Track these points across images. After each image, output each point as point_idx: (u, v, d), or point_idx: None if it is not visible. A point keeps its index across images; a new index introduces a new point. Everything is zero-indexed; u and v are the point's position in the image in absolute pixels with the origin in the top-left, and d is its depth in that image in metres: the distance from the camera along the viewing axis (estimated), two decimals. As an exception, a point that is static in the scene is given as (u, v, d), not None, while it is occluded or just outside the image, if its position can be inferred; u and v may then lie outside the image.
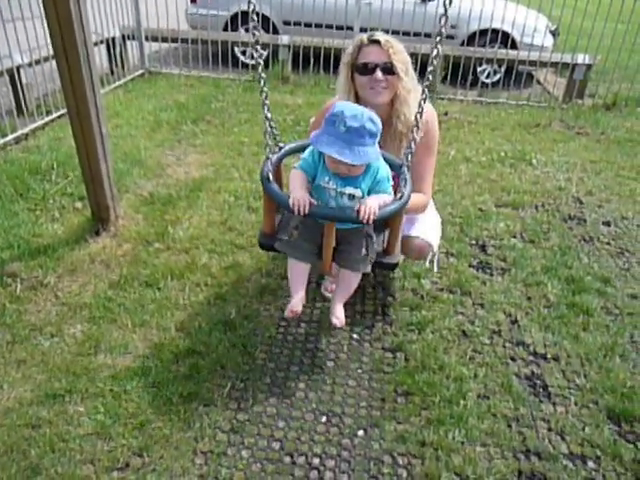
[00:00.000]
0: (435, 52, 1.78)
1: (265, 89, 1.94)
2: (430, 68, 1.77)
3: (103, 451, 1.88)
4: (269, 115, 1.98)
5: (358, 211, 1.78)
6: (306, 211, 1.80)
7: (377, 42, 2.15)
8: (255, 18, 1.84)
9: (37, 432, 1.93)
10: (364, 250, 2.02)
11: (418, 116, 1.86)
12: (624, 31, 5.80)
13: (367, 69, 2.16)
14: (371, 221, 1.79)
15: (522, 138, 4.97)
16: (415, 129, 1.88)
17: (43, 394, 2.08)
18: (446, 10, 1.74)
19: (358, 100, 2.24)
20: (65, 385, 2.12)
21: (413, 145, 1.91)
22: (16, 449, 1.87)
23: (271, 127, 2.01)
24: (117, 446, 1.90)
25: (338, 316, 2.09)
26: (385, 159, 1.98)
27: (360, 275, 2.11)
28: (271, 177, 1.95)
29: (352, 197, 1.90)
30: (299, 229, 2.03)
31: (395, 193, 1.97)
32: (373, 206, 1.79)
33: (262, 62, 1.92)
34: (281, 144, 2.17)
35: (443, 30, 1.76)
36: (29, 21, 4.26)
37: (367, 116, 1.76)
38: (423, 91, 1.82)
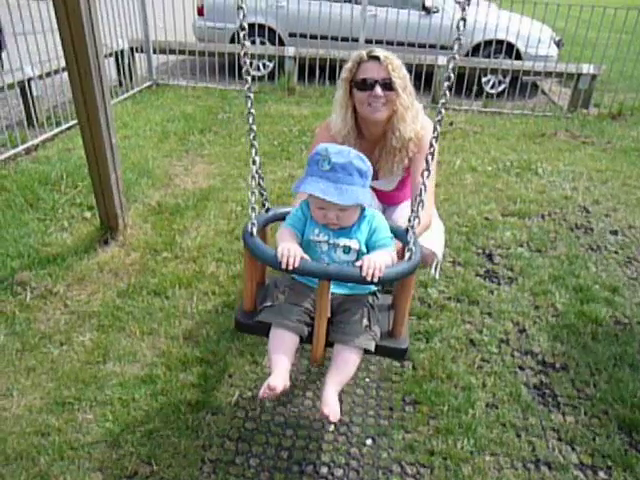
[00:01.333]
0: (449, 72, 1.62)
1: (254, 127, 1.70)
2: (446, 83, 1.58)
3: (112, 459, 1.89)
4: (257, 160, 1.70)
5: (360, 267, 1.51)
6: (296, 264, 1.50)
7: (376, 58, 2.12)
8: (246, 27, 1.61)
9: (46, 439, 1.94)
10: (365, 321, 1.68)
11: (434, 141, 1.63)
12: (629, 41, 5.83)
13: (366, 85, 2.14)
14: (376, 279, 1.49)
15: (528, 147, 4.98)
16: (430, 151, 1.65)
17: (52, 402, 2.09)
18: (459, 37, 1.55)
19: (356, 116, 2.25)
20: (74, 393, 2.13)
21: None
22: (25, 456, 1.87)
23: (259, 185, 1.76)
24: (125, 454, 1.90)
25: (332, 408, 1.56)
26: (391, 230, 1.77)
27: (361, 354, 1.69)
28: (254, 232, 1.66)
29: (348, 250, 1.68)
30: (286, 294, 1.72)
31: (403, 252, 1.74)
32: (378, 261, 1.52)
33: (251, 95, 1.68)
34: (268, 205, 1.90)
35: (457, 57, 1.57)
36: (40, 35, 4.33)
37: (354, 154, 1.63)
38: (439, 112, 1.60)
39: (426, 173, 1.64)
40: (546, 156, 4.77)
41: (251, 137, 1.68)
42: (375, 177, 2.42)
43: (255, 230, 1.66)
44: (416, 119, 2.22)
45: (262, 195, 1.84)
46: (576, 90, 6.18)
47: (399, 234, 1.80)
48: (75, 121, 3.04)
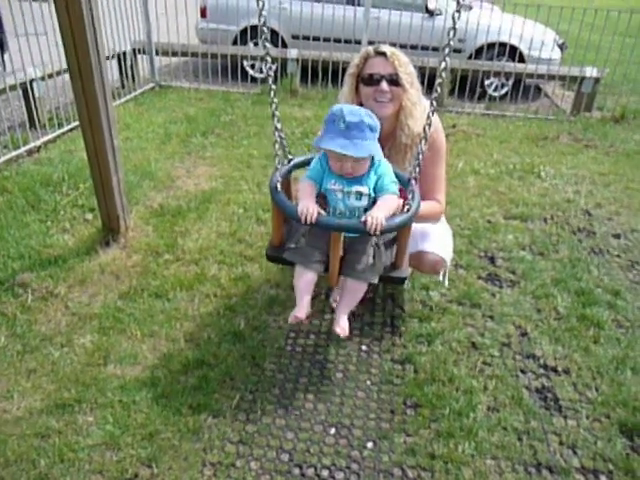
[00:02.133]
0: (443, 65, 1.80)
1: (275, 100, 1.96)
2: (439, 80, 1.79)
3: (112, 461, 1.88)
4: (279, 126, 1.99)
5: (365, 222, 1.76)
6: (313, 220, 1.77)
7: (383, 54, 2.17)
8: (266, 31, 1.87)
9: (46, 442, 1.94)
10: (371, 259, 1.98)
11: (427, 128, 1.84)
12: (632, 44, 5.82)
13: (372, 80, 2.17)
14: (378, 232, 1.76)
15: (530, 151, 4.98)
16: (423, 141, 1.86)
17: (53, 404, 2.09)
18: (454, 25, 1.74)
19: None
20: (75, 395, 2.13)
21: (420, 157, 1.89)
22: (26, 458, 1.87)
23: (281, 138, 2.02)
24: (126, 456, 1.90)
25: (342, 326, 2.00)
26: (395, 175, 1.98)
27: (366, 285, 2.04)
28: (279, 187, 1.95)
29: (359, 196, 1.90)
30: (306, 237, 2.01)
31: (403, 206, 1.95)
32: (380, 217, 1.76)
33: (272, 74, 1.92)
34: (290, 156, 2.17)
35: (451, 43, 1.78)
36: (42, 36, 4.34)
37: (365, 112, 1.82)
38: (431, 103, 1.80)
39: (423, 141, 1.86)
40: (549, 159, 4.76)
41: (273, 108, 1.97)
42: None
43: (280, 185, 1.95)
44: (424, 114, 2.22)
45: (283, 149, 2.08)
46: (579, 93, 6.17)
47: (403, 183, 2.01)
48: (77, 123, 3.04)
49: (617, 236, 3.54)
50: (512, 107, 6.24)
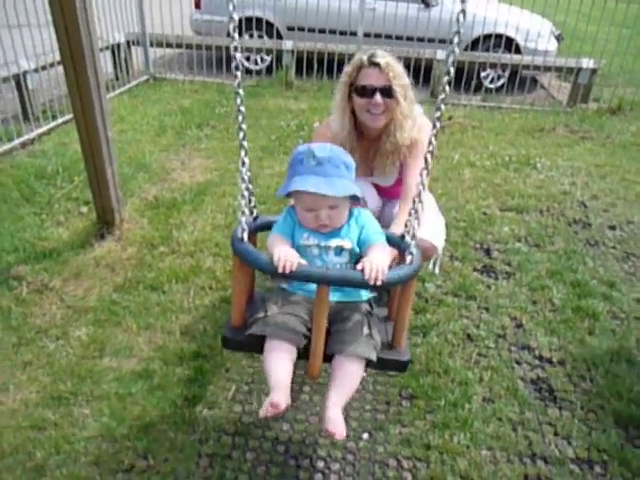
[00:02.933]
0: (448, 66, 1.55)
1: (243, 127, 1.62)
2: (446, 78, 1.49)
3: (108, 453, 1.88)
4: (247, 175, 1.63)
5: (362, 270, 1.43)
6: (294, 268, 1.42)
7: (377, 65, 2.10)
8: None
9: (42, 434, 1.94)
10: (366, 329, 1.60)
11: (433, 139, 1.53)
12: (629, 35, 5.81)
13: (366, 92, 2.13)
14: (379, 282, 1.41)
15: (526, 142, 4.98)
16: (429, 155, 1.55)
17: (49, 396, 2.08)
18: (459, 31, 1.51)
19: (355, 120, 2.25)
20: (70, 387, 2.13)
21: (419, 221, 1.61)
22: (22, 450, 1.87)
23: (247, 190, 1.64)
24: (122, 448, 1.90)
25: (336, 424, 1.47)
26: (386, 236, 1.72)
27: (363, 365, 1.58)
28: (245, 237, 1.58)
29: (340, 252, 1.63)
30: (279, 304, 1.64)
31: (401, 260, 1.71)
32: (380, 264, 1.44)
33: (242, 93, 1.61)
34: (257, 213, 1.83)
35: (456, 50, 1.50)
36: (35, 28, 4.30)
37: (337, 148, 1.62)
38: (438, 108, 1.50)
39: (425, 172, 1.56)
40: (545, 151, 4.76)
41: (241, 137, 1.59)
42: (370, 174, 2.42)
43: (246, 235, 1.58)
44: (414, 126, 2.22)
45: (250, 201, 1.72)
46: (575, 85, 6.17)
47: (395, 241, 1.75)
48: (71, 115, 3.02)
49: (613, 228, 3.55)
50: (508, 99, 6.24)
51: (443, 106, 1.49)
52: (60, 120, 4.73)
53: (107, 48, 5.81)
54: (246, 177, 1.63)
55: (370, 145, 2.33)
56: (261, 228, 1.81)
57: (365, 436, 2.01)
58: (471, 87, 6.21)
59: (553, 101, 6.43)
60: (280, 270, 1.42)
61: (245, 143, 1.60)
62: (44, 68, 4.70)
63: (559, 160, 4.58)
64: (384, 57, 2.12)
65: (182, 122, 5.00)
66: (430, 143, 1.54)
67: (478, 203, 3.75)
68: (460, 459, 1.94)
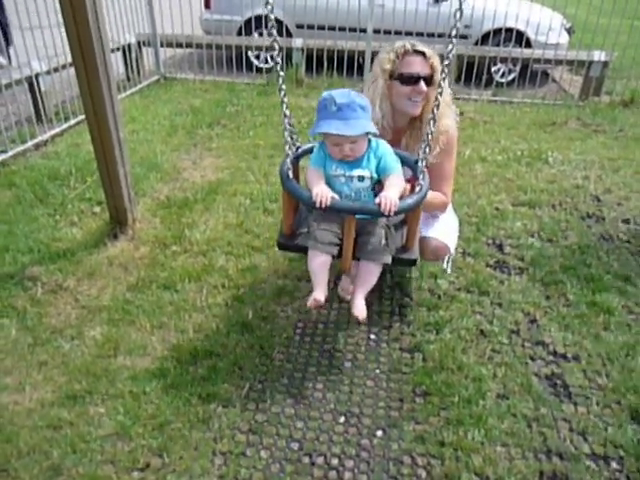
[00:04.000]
0: (450, 52, 1.80)
1: (283, 87, 1.94)
2: (443, 75, 1.84)
3: (123, 451, 1.90)
4: (287, 113, 1.97)
5: (379, 204, 1.79)
6: (328, 203, 1.80)
7: (422, 53, 2.16)
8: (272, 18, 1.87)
9: (59, 433, 1.96)
10: (384, 240, 2.01)
11: (435, 109, 1.86)
12: (641, 27, 5.73)
13: (411, 79, 2.15)
14: (392, 213, 1.78)
15: (538, 137, 4.93)
16: (432, 122, 1.87)
17: (64, 395, 2.11)
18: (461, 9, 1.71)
19: (392, 108, 2.25)
20: (85, 387, 2.15)
21: (429, 137, 1.90)
22: (38, 450, 1.89)
23: (290, 125, 2.02)
24: (137, 447, 1.92)
25: (360, 309, 2.01)
26: (399, 156, 2.01)
27: (380, 267, 2.05)
28: (290, 175, 1.96)
29: (362, 179, 1.94)
30: (318, 222, 2.02)
31: (413, 188, 1.99)
32: (393, 198, 1.80)
33: (280, 61, 1.91)
34: (298, 144, 2.16)
35: (455, 33, 1.79)
36: (47, 30, 4.34)
37: (354, 93, 1.86)
38: (436, 98, 1.86)
39: (432, 123, 1.85)
40: (557, 145, 4.72)
41: (280, 81, 1.93)
42: None
43: (291, 173, 1.96)
44: (451, 115, 2.29)
45: (292, 139, 2.07)
46: (587, 78, 6.09)
47: (411, 165, 2.03)
48: (83, 116, 3.05)
49: (627, 221, 3.51)
50: (519, 93, 6.18)
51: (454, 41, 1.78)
52: (72, 121, 4.77)
53: (118, 49, 5.85)
54: (288, 126, 2.00)
55: (401, 134, 2.33)
56: (301, 155, 2.17)
57: (379, 433, 2.01)
58: (482, 82, 6.16)
59: (565, 95, 6.36)
60: (317, 205, 1.80)
61: (284, 86, 1.94)
62: (56, 70, 4.73)
63: (571, 154, 4.53)
64: (426, 47, 2.19)
65: (193, 121, 5.02)
66: (433, 113, 1.85)
67: (490, 198, 3.73)
68: (475, 456, 1.93)
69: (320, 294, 1.96)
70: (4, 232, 3.11)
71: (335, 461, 1.91)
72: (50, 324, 2.47)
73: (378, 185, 1.97)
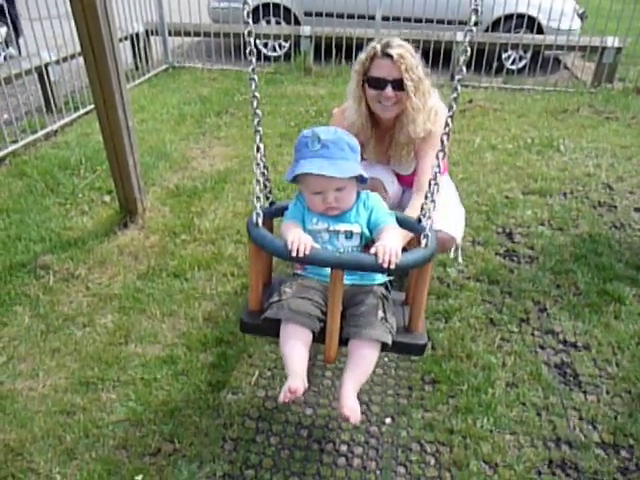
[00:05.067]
0: (465, 45, 1.53)
1: (258, 112, 1.59)
2: (462, 58, 1.49)
3: (135, 437, 1.92)
4: (262, 161, 1.64)
5: (376, 254, 1.42)
6: (307, 252, 1.42)
7: (390, 56, 2.04)
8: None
9: (72, 418, 1.99)
10: (381, 312, 1.59)
11: (449, 120, 1.52)
12: (655, 12, 5.64)
13: (377, 84, 2.10)
14: (393, 265, 1.40)
15: (549, 124, 4.88)
16: (445, 137, 1.55)
17: (77, 382, 2.13)
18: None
19: (369, 108, 2.22)
20: (97, 373, 2.17)
21: (435, 199, 1.60)
22: (52, 434, 1.92)
23: (263, 175, 1.66)
24: (148, 432, 1.94)
25: (351, 407, 1.48)
26: (398, 218, 1.71)
27: (377, 349, 1.58)
28: (260, 223, 1.59)
29: (350, 235, 1.64)
30: (294, 288, 1.64)
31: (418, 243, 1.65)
32: (393, 247, 1.42)
33: (256, 79, 1.58)
34: (272, 199, 1.83)
35: (473, 29, 1.46)
36: (56, 20, 4.34)
37: (341, 131, 1.63)
38: (450, 107, 1.51)
39: (441, 154, 1.55)
40: (568, 133, 4.67)
41: (255, 122, 1.58)
42: (387, 162, 2.41)
43: (260, 221, 1.59)
44: (428, 120, 2.17)
45: (266, 187, 1.74)
46: (600, 64, 6.01)
47: (412, 224, 1.73)
48: (93, 106, 3.06)
49: (639, 210, 3.48)
50: (530, 80, 6.11)
51: (460, 87, 1.49)
52: (82, 111, 4.79)
53: (126, 38, 5.85)
54: (261, 163, 1.63)
55: (386, 133, 2.31)
56: (277, 214, 1.81)
57: (388, 420, 2.02)
58: (492, 69, 6.10)
59: (577, 81, 6.28)
60: (294, 254, 1.42)
61: (260, 129, 1.59)
62: (65, 60, 4.74)
63: (583, 142, 4.48)
64: (399, 48, 2.05)
65: (201, 110, 5.02)
66: (447, 125, 1.51)
67: (500, 187, 3.70)
68: (483, 443, 1.93)
69: (297, 381, 1.49)
70: (16, 221, 3.14)
71: (344, 448, 1.92)
72: (62, 312, 2.50)
73: (369, 246, 1.54)
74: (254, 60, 1.56)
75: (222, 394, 2.10)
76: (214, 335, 2.37)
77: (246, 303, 1.78)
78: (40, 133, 4.27)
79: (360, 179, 1.64)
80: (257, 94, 1.57)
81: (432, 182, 1.59)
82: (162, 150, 4.12)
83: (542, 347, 2.38)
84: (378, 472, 1.84)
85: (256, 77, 1.57)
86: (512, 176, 3.87)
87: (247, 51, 1.54)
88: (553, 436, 1.98)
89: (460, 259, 2.72)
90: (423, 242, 1.56)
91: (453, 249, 2.53)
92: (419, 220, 1.70)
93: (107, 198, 3.43)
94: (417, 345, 1.67)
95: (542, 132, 4.66)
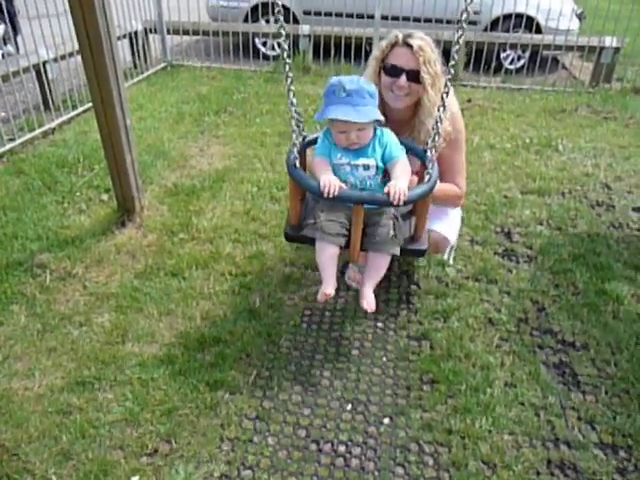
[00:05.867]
0: (458, 39, 1.75)
1: (290, 75, 1.91)
2: (452, 62, 1.77)
3: (132, 437, 1.91)
4: (294, 100, 1.93)
5: (388, 193, 1.76)
6: (336, 193, 1.77)
7: (410, 46, 2.06)
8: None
9: (68, 418, 1.97)
10: (392, 231, 1.97)
11: (442, 109, 1.83)
12: (654, 12, 5.63)
13: (393, 71, 2.10)
14: (402, 202, 1.75)
15: (548, 124, 4.88)
16: (441, 109, 1.84)
17: (73, 381, 2.12)
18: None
19: (382, 99, 2.21)
20: (94, 373, 2.16)
21: (439, 125, 1.87)
22: (48, 435, 1.91)
23: (296, 113, 1.97)
24: (145, 432, 1.93)
25: (369, 301, 2.00)
26: (407, 146, 2.00)
27: (389, 258, 2.03)
28: (297, 164, 1.94)
29: (367, 167, 1.92)
30: (325, 212, 1.99)
31: (421, 178, 1.97)
32: (402, 187, 1.76)
33: (287, 47, 1.89)
34: (305, 133, 2.12)
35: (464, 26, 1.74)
36: (54, 17, 4.32)
37: (363, 80, 1.86)
38: (445, 84, 1.79)
39: (441, 109, 1.84)
40: (567, 132, 4.67)
41: (288, 82, 1.91)
42: None
43: (298, 162, 1.94)
44: (445, 117, 2.16)
45: (299, 126, 2.01)
46: (598, 64, 6.01)
47: (418, 154, 2.01)
48: (91, 104, 3.04)
49: (637, 209, 3.48)
50: (529, 80, 6.11)
51: (453, 70, 1.77)
52: (80, 109, 4.76)
53: (125, 36, 5.82)
54: (295, 114, 1.94)
55: (399, 131, 2.28)
56: (308, 145, 2.13)
57: (386, 421, 2.02)
58: (491, 68, 6.09)
59: (575, 81, 6.27)
60: (325, 195, 1.77)
61: (291, 74, 1.91)
62: (63, 57, 4.72)
63: (581, 141, 4.48)
64: (420, 40, 2.08)
65: (200, 109, 5.00)
66: (445, 85, 1.79)
67: (499, 186, 3.70)
68: (482, 444, 1.93)
69: (330, 288, 1.95)
70: (13, 219, 3.12)
71: (342, 448, 1.91)
72: (59, 311, 2.49)
73: (386, 187, 1.88)
74: (282, 17, 1.84)
75: (220, 394, 2.09)
76: (212, 334, 2.36)
77: (288, 218, 2.16)
78: (38, 131, 4.25)
79: (377, 121, 1.90)
80: (287, 59, 1.90)
81: (441, 109, 1.84)
82: (160, 149, 4.10)
83: (541, 347, 2.37)
84: (376, 473, 1.84)
85: (285, 44, 1.87)
86: (510, 175, 3.86)
87: (275, 11, 1.83)
88: (552, 436, 1.97)
89: (451, 261, 2.73)
90: (426, 177, 1.91)
91: (447, 250, 2.52)
92: (425, 151, 1.96)
93: (105, 196, 3.42)
94: (419, 250, 2.10)
95: (540, 132, 4.66)
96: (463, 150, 2.33)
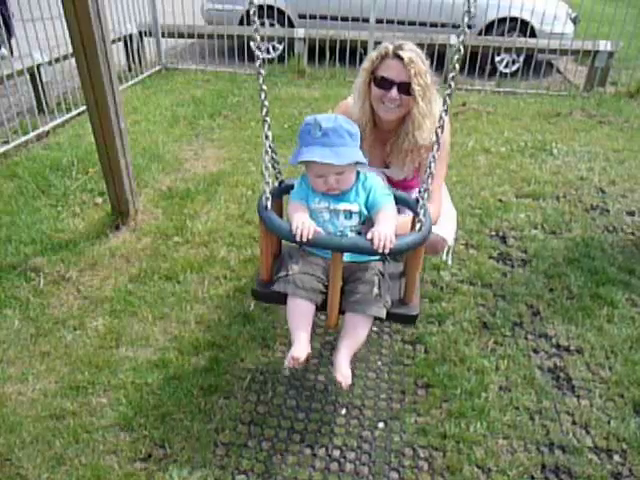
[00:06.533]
0: (459, 44, 1.61)
1: (266, 104, 1.69)
2: (452, 74, 1.58)
3: (126, 442, 1.90)
4: (269, 134, 1.73)
5: (372, 240, 1.53)
6: (310, 236, 1.55)
7: (401, 58, 2.01)
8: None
9: (61, 423, 1.96)
10: (376, 289, 1.73)
11: (443, 114, 1.62)
12: (647, 17, 5.67)
13: (384, 84, 2.07)
14: (387, 250, 1.52)
15: (542, 128, 4.90)
16: (435, 147, 1.66)
17: (67, 386, 2.11)
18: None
19: (372, 108, 2.20)
20: (88, 377, 2.15)
21: (433, 166, 1.68)
22: (41, 440, 1.89)
23: (270, 148, 1.75)
24: (139, 437, 1.92)
25: (343, 373, 1.68)
26: (396, 195, 1.81)
27: (370, 321, 1.76)
28: (269, 206, 1.72)
29: (349, 215, 1.74)
30: (300, 264, 1.77)
31: (413, 224, 1.80)
32: (387, 233, 1.54)
33: (262, 72, 1.68)
34: (282, 178, 1.93)
35: (466, 30, 1.57)
36: (48, 21, 4.31)
37: (342, 118, 1.70)
38: (444, 102, 1.60)
39: (435, 146, 1.65)
40: (561, 136, 4.69)
41: (263, 113, 1.69)
42: (384, 166, 2.39)
43: (269, 204, 1.71)
44: (434, 126, 2.15)
45: (275, 169, 1.87)
46: (592, 68, 6.04)
47: (410, 204, 1.82)
48: (85, 107, 3.04)
49: (631, 213, 3.49)
50: (523, 84, 6.14)
51: (453, 83, 1.58)
52: (74, 112, 4.75)
53: (119, 39, 5.82)
54: (269, 149, 1.74)
55: (387, 138, 2.28)
56: (284, 192, 1.94)
57: (381, 425, 2.01)
58: (485, 72, 6.12)
59: (569, 85, 6.31)
60: (298, 239, 1.56)
61: (268, 118, 1.70)
62: (57, 61, 4.71)
63: (576, 145, 4.50)
64: (411, 52, 2.03)
65: (195, 112, 5.00)
66: (441, 118, 1.61)
67: (493, 190, 3.71)
68: (477, 448, 1.93)
69: (300, 351, 1.66)
70: (7, 223, 3.11)
71: (337, 453, 1.91)
72: (53, 315, 2.48)
73: (366, 224, 1.73)
74: (260, 55, 1.68)
75: (214, 398, 2.08)
76: (206, 339, 2.35)
77: (257, 274, 1.96)
78: (32, 134, 4.23)
79: (358, 163, 1.72)
80: (265, 87, 1.68)
81: (427, 171, 1.67)
82: (155, 152, 4.10)
83: (535, 351, 2.38)
84: (371, 477, 1.83)
85: (263, 71, 1.67)
86: (505, 179, 3.87)
87: (253, 45, 1.66)
88: (546, 440, 1.97)
89: (450, 262, 2.72)
90: (417, 226, 1.68)
91: (445, 251, 2.52)
92: (417, 200, 1.74)
93: (99, 200, 3.41)
94: (409, 316, 1.83)
95: (535, 135, 4.68)
96: (446, 164, 2.27)
